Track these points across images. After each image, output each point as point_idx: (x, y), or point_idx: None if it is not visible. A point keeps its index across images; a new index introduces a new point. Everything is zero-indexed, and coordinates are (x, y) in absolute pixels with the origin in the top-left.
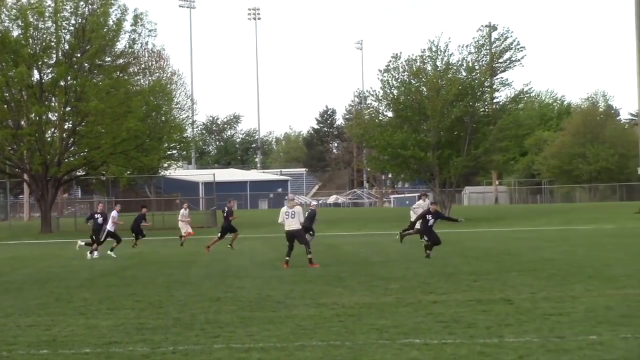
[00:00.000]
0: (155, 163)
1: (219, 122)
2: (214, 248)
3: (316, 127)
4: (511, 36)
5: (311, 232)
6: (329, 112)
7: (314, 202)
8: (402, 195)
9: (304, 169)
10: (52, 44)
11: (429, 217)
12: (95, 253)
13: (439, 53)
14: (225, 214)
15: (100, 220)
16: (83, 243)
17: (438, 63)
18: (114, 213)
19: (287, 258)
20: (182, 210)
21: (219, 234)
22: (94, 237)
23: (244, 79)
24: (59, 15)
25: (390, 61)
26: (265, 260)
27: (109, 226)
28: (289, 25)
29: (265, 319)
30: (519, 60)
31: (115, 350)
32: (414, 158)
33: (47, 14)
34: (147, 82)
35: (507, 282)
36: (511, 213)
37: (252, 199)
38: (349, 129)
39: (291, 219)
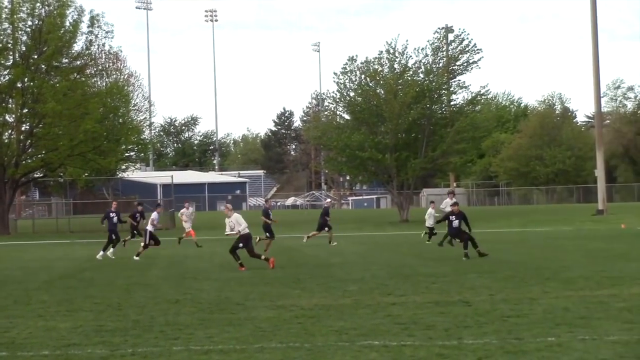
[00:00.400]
0: (113, 165)
1: (177, 124)
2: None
3: (274, 129)
4: (467, 38)
5: (327, 228)
6: (286, 114)
7: (328, 199)
8: (360, 197)
9: (262, 171)
10: (9, 45)
11: (452, 217)
12: (111, 250)
13: (396, 55)
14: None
15: (115, 219)
16: (102, 253)
17: (395, 66)
18: (154, 215)
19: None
20: (183, 210)
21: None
22: (112, 236)
23: (201, 80)
24: (15, 16)
25: (346, 63)
26: (224, 263)
27: (149, 227)
28: (247, 27)
29: (224, 321)
30: (475, 62)
31: (74, 353)
32: (371, 160)
33: (3, 15)
34: (104, 84)
35: (465, 284)
36: (469, 215)
37: (210, 201)
38: (306, 131)
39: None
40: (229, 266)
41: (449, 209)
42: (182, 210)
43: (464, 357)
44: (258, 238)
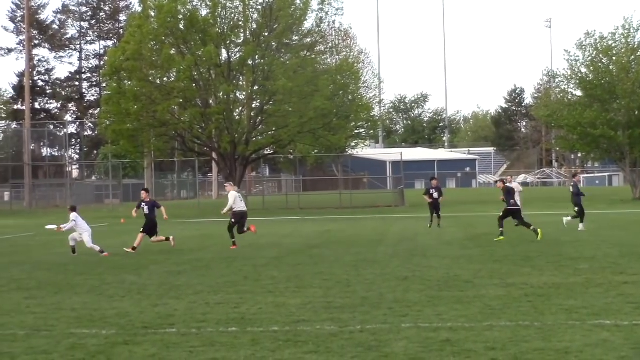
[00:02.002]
0: (342, 142)
1: (407, 101)
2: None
3: (504, 106)
4: None
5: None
6: (517, 91)
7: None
8: (592, 175)
9: (492, 148)
10: (240, 23)
11: None
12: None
13: (631, 32)
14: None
15: (146, 209)
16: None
17: (629, 41)
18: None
19: (234, 240)
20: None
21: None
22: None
23: (431, 57)
24: None
25: (581, 38)
26: (453, 240)
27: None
28: (478, 3)
29: (453, 299)
30: None
31: (303, 329)
32: (603, 137)
33: None
34: (334, 61)
35: None
36: None
37: (440, 178)
38: (535, 111)
39: (241, 201)
40: (457, 244)
41: None
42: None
43: None
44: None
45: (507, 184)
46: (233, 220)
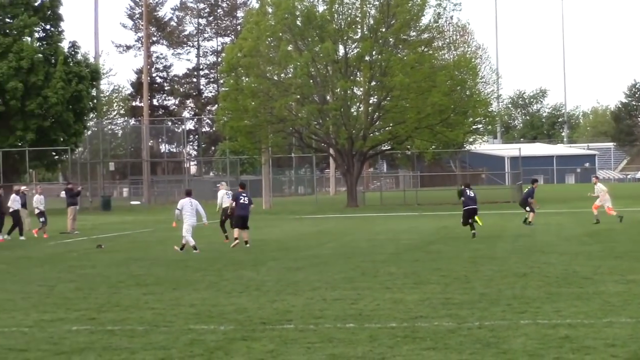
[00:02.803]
0: (460, 138)
1: (525, 96)
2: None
3: (624, 100)
4: None
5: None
6: (637, 86)
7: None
8: None
9: (611, 143)
10: (357, 19)
11: None
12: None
13: None
14: None
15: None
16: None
17: None
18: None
19: (227, 234)
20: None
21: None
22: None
23: (550, 52)
24: None
25: None
26: (572, 236)
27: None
28: None
29: (572, 295)
30: None
31: (421, 325)
32: None
33: None
34: (451, 57)
35: None
36: None
37: (559, 174)
38: None
39: (228, 198)
40: (576, 240)
41: None
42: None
43: None
44: None
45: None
46: (223, 217)
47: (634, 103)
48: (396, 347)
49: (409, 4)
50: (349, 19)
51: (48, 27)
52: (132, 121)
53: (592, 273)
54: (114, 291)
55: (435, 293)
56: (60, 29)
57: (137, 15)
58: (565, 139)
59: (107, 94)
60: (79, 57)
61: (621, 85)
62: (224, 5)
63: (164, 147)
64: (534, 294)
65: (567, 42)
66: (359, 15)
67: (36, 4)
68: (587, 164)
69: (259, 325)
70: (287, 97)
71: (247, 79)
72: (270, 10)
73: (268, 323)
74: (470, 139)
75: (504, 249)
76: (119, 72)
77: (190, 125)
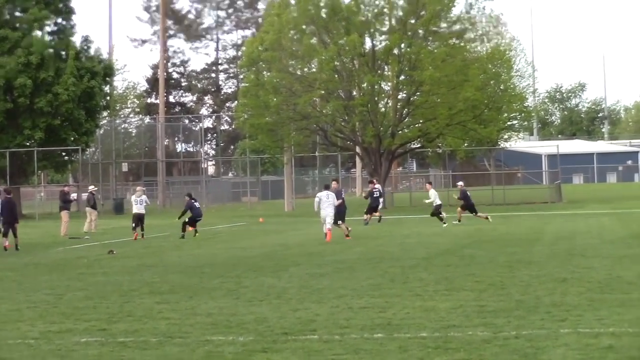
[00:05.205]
0: (494, 135)
1: (563, 91)
2: None
3: None
4: None
5: None
6: None
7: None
8: None
9: None
10: (385, 10)
11: None
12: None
13: None
14: None
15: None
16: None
17: None
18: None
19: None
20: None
21: None
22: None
23: (588, 44)
24: None
25: None
26: (615, 239)
27: None
28: None
29: (615, 302)
30: None
31: (454, 335)
32: None
33: None
34: (484, 49)
35: None
36: None
37: (599, 172)
38: None
39: (140, 205)
40: (620, 242)
41: None
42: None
43: None
44: None
45: None
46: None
47: None
48: (427, 358)
49: None
50: (376, 10)
51: (60, 20)
52: (147, 119)
53: (637, 278)
54: (125, 300)
55: (468, 300)
56: (72, 23)
57: (154, 8)
58: (605, 135)
59: (121, 90)
60: (92, 52)
61: None
62: None
63: (180, 147)
64: (575, 300)
65: (607, 33)
66: (387, 6)
67: None
68: (629, 162)
69: (281, 336)
70: (311, 93)
71: (268, 74)
72: (292, 1)
73: (290, 333)
74: (505, 136)
75: (541, 253)
76: (134, 67)
77: (208, 123)
